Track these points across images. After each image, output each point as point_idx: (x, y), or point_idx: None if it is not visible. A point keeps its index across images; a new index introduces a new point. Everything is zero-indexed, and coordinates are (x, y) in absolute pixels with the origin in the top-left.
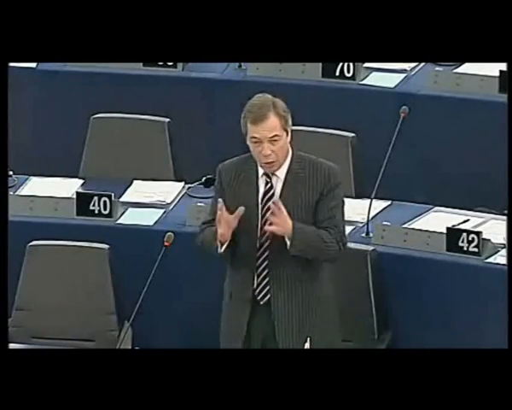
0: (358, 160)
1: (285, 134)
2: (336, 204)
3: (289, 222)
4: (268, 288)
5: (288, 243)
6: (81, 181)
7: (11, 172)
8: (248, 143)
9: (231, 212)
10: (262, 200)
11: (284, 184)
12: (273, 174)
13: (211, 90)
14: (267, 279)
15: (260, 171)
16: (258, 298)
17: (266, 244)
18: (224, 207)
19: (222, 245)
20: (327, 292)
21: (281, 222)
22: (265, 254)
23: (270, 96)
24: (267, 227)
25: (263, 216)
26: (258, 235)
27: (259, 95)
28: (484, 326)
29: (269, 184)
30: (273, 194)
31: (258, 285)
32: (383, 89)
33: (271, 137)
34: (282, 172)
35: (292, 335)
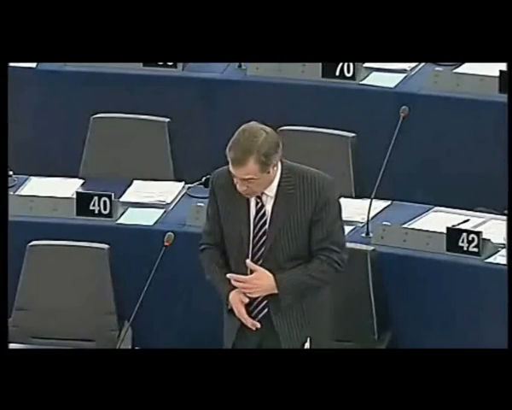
0: (358, 160)
1: (265, 174)
2: (332, 220)
3: (269, 281)
4: (263, 304)
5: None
6: (81, 181)
7: (11, 172)
8: None
9: (224, 225)
10: (254, 219)
11: (275, 202)
12: (263, 193)
13: (211, 90)
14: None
15: None
16: (253, 314)
17: (258, 255)
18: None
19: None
20: (323, 300)
21: (257, 286)
22: (258, 264)
23: (260, 135)
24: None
25: (255, 236)
26: (250, 254)
27: (252, 126)
28: (484, 326)
29: (259, 204)
30: (264, 213)
31: (251, 304)
32: (383, 89)
33: (246, 179)
34: (271, 190)
35: (295, 340)
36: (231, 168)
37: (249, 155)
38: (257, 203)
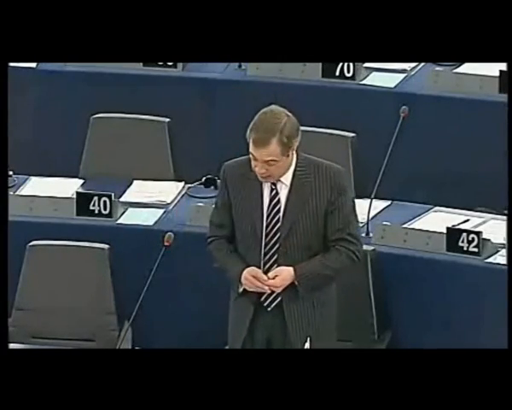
0: (358, 160)
1: (285, 157)
2: (349, 210)
3: (288, 276)
4: (275, 294)
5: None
6: (81, 181)
7: (11, 172)
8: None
9: (236, 215)
10: (268, 207)
11: (290, 190)
12: (278, 180)
13: (211, 90)
14: None
15: None
16: (265, 304)
17: (273, 251)
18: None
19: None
20: (331, 295)
21: (280, 283)
22: (272, 260)
23: (282, 117)
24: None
25: (267, 225)
26: (263, 243)
27: (273, 109)
28: (484, 326)
29: (274, 191)
30: (278, 200)
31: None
32: (383, 89)
33: (267, 160)
34: (287, 178)
35: (304, 333)
36: (252, 150)
37: (272, 135)
38: (271, 190)
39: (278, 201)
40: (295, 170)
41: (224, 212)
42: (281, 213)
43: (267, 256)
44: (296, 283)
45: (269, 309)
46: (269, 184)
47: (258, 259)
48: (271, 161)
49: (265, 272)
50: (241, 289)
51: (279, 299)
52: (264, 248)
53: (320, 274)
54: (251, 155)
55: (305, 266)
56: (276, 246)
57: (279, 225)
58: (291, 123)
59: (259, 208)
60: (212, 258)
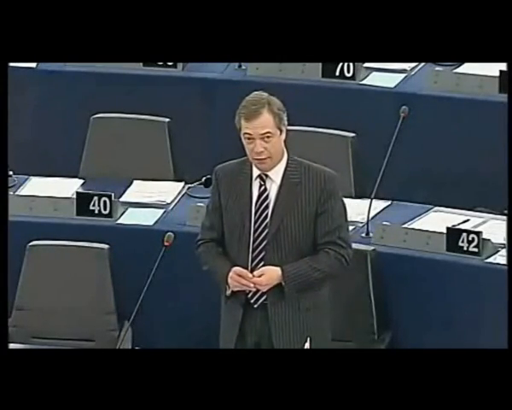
0: (358, 160)
1: (278, 132)
2: (339, 213)
3: (275, 275)
4: (261, 292)
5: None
6: (81, 181)
7: (11, 172)
8: (242, 139)
9: (226, 215)
10: (256, 203)
11: (280, 188)
12: (267, 177)
13: (211, 90)
14: None
15: (255, 173)
16: (252, 301)
17: (260, 247)
18: (240, 275)
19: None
20: (322, 296)
21: (266, 281)
22: (260, 256)
23: (265, 94)
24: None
25: (256, 221)
26: (251, 239)
27: (255, 92)
28: (484, 326)
29: (262, 187)
30: (267, 196)
31: (250, 291)
32: (383, 89)
33: (264, 134)
34: (277, 176)
35: (288, 339)
36: (246, 127)
37: (261, 106)
38: (260, 186)
39: (267, 197)
40: (286, 169)
41: (215, 214)
42: (269, 210)
43: (255, 252)
44: (283, 283)
45: (255, 306)
46: (258, 181)
47: (246, 255)
48: (267, 133)
49: (253, 269)
50: (229, 292)
51: (265, 297)
52: (253, 244)
53: (307, 276)
54: (245, 137)
55: (292, 267)
56: (265, 242)
57: (267, 221)
58: (275, 99)
59: (248, 204)
60: (201, 261)
